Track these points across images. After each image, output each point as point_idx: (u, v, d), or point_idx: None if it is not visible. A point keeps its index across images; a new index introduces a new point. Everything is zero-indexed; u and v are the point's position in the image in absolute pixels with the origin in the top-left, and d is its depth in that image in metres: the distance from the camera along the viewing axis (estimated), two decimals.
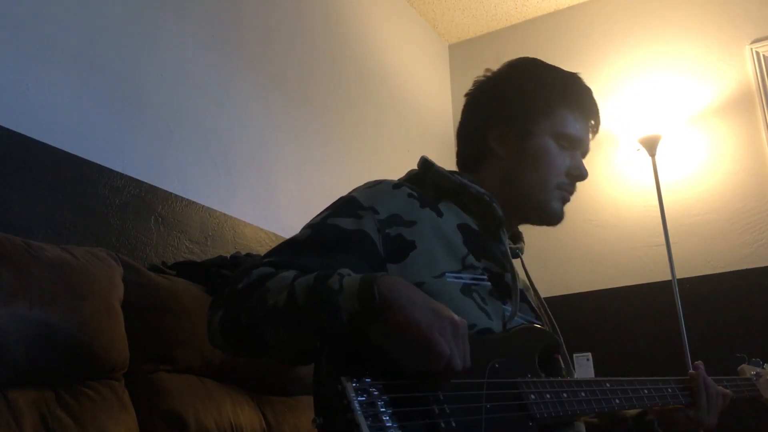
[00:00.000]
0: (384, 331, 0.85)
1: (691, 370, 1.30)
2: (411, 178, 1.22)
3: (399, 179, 1.21)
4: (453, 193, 1.16)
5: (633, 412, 1.26)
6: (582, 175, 1.21)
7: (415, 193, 1.11)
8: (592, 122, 1.25)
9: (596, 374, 3.07)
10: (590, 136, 1.25)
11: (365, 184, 1.14)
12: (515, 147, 1.19)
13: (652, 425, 1.26)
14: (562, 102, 1.21)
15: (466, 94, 1.29)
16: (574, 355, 3.13)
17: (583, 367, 3.10)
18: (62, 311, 1.13)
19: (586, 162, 1.25)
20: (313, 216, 1.11)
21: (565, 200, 1.21)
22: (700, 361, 1.34)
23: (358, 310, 0.84)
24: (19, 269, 1.11)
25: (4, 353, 1.04)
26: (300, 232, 1.06)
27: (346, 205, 1.07)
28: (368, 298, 0.84)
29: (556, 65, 1.27)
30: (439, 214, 1.11)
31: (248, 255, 1.82)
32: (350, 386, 0.79)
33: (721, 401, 1.29)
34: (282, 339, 0.91)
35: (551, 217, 1.20)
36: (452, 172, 1.19)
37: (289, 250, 1.02)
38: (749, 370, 1.52)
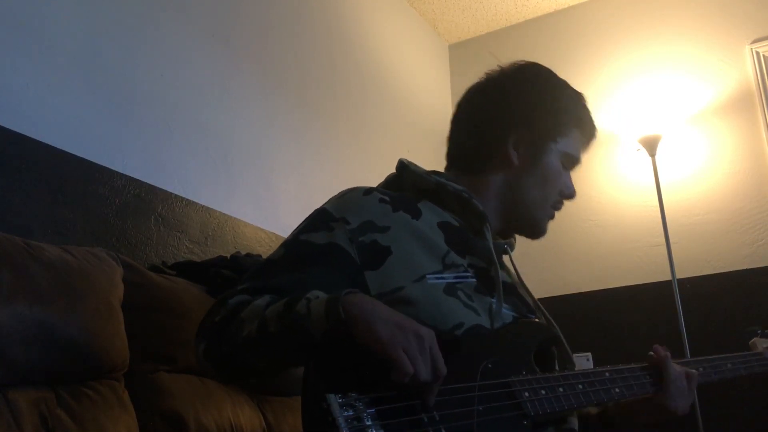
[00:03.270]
0: (357, 346, 0.86)
1: (650, 353, 1.20)
2: (389, 182, 1.22)
3: (378, 185, 1.21)
4: (431, 193, 1.16)
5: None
6: (572, 195, 1.23)
7: (386, 198, 1.10)
8: (590, 138, 1.26)
9: None
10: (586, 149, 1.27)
11: (338, 193, 1.14)
12: (529, 158, 1.18)
13: (613, 419, 1.22)
14: (577, 122, 1.21)
15: (474, 88, 1.25)
16: (574, 355, 3.12)
17: (583, 367, 3.10)
18: (62, 311, 1.13)
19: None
20: None
21: (552, 218, 1.23)
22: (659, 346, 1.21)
23: (328, 329, 0.86)
24: (19, 269, 1.10)
25: (4, 353, 1.04)
26: (274, 251, 1.07)
27: (317, 219, 1.08)
28: (335, 315, 0.85)
29: (557, 65, 1.26)
30: (417, 215, 1.10)
31: (248, 255, 1.82)
32: (335, 402, 0.79)
33: (686, 383, 1.17)
34: (264, 363, 0.94)
35: (539, 234, 1.23)
36: (429, 172, 1.19)
37: (264, 271, 1.04)
38: (761, 344, 1.44)
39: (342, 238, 1.03)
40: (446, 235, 1.10)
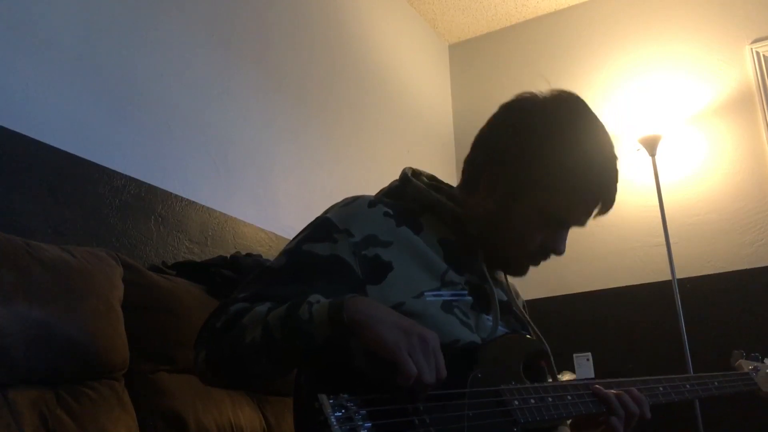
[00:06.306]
0: (360, 347, 0.86)
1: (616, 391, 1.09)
2: (391, 191, 1.19)
3: (378, 193, 1.20)
4: (432, 208, 1.14)
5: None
6: (558, 251, 1.12)
7: (391, 211, 1.09)
8: (600, 208, 1.13)
9: (596, 374, 3.07)
10: (591, 215, 1.14)
11: (342, 201, 1.12)
12: (502, 199, 1.11)
13: None
14: (580, 187, 1.09)
15: (505, 105, 1.16)
16: (574, 355, 3.13)
17: (583, 367, 3.10)
18: (62, 311, 1.13)
19: None
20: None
21: (535, 264, 1.15)
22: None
23: (330, 334, 0.86)
24: (19, 269, 1.11)
25: (4, 353, 1.04)
26: (276, 259, 1.06)
27: (320, 228, 1.06)
28: (338, 322, 0.85)
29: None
30: (419, 230, 1.09)
31: (248, 255, 1.82)
32: (327, 402, 0.79)
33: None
34: (266, 368, 0.94)
35: (513, 273, 1.18)
36: (430, 187, 1.16)
37: (264, 279, 1.03)
38: (747, 365, 1.53)
39: (345, 250, 1.02)
40: (445, 251, 1.09)
